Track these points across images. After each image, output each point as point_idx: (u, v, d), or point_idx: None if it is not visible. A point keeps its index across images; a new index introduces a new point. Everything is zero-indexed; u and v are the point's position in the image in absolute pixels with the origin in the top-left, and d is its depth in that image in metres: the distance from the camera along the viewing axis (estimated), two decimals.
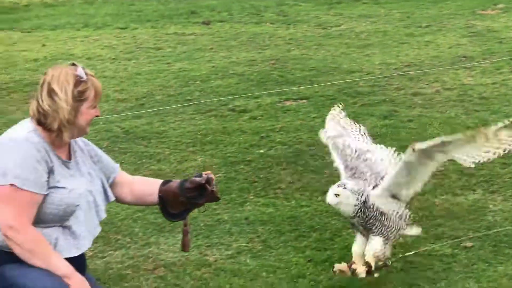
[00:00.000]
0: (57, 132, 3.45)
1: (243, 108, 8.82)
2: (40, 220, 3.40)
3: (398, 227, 4.21)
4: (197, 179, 3.68)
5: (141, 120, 8.38)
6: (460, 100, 8.66)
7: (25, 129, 3.47)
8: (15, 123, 3.59)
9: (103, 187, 3.70)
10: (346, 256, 4.82)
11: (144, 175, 6.63)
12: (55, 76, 3.45)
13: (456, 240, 5.03)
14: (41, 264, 3.35)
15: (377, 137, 7.36)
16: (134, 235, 5.40)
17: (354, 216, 4.13)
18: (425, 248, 4.90)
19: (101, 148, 3.90)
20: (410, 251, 4.85)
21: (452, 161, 6.59)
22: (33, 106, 3.49)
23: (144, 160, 7.19)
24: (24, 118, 3.58)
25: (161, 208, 3.80)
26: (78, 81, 3.46)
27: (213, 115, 8.53)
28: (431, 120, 8.02)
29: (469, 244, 4.93)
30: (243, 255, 4.99)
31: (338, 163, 4.42)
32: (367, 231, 4.22)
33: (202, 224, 5.55)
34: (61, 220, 3.45)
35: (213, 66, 10.46)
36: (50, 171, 3.41)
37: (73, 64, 3.52)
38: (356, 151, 4.44)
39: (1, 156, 3.37)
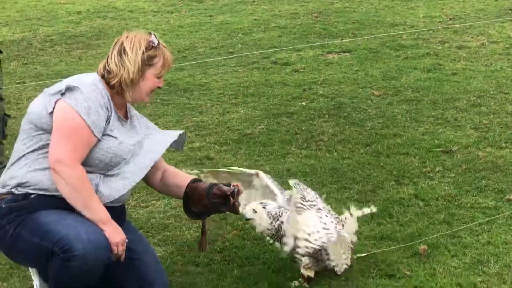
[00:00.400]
0: (118, 89, 3.54)
1: (285, 61, 8.79)
2: (85, 163, 3.44)
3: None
4: (225, 188, 3.72)
5: (183, 72, 8.40)
6: (506, 53, 8.54)
7: (91, 76, 3.56)
8: (59, 75, 3.65)
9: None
10: (387, 208, 4.83)
11: (186, 127, 6.70)
12: (129, 37, 3.57)
13: (499, 193, 4.98)
14: (81, 205, 3.40)
15: (421, 91, 7.32)
16: None
17: (270, 237, 4.03)
18: (467, 201, 4.86)
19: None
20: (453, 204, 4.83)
21: (496, 114, 6.57)
22: (101, 64, 3.60)
23: (186, 112, 7.23)
24: (67, 70, 3.64)
25: (184, 203, 3.85)
26: (150, 46, 3.56)
27: (255, 68, 8.52)
28: (476, 73, 7.92)
29: None
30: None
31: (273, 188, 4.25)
32: None
33: None
34: (105, 168, 3.49)
35: (255, 19, 10.42)
36: (107, 120, 3.47)
37: (149, 33, 3.63)
38: None
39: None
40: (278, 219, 3.90)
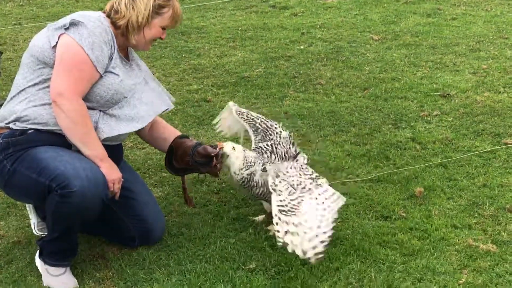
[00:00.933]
0: (123, 31, 3.54)
1: (283, 4, 8.72)
2: (86, 99, 3.43)
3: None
4: (210, 149, 3.76)
5: None
6: None
7: (96, 13, 3.55)
8: (55, 16, 3.63)
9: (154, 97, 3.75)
10: (384, 150, 4.83)
11: (184, 69, 6.67)
12: None
13: (496, 137, 4.98)
14: (79, 139, 3.40)
15: (420, 35, 7.27)
16: (174, 127, 5.42)
17: (238, 183, 3.87)
18: (464, 145, 4.86)
19: None
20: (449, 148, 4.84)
21: (495, 59, 6.54)
22: (109, 3, 3.59)
23: (184, 55, 7.19)
24: (64, 12, 3.61)
25: (166, 157, 3.86)
26: None
27: (253, 11, 8.44)
28: (476, 18, 7.86)
29: (509, 140, 4.87)
30: None
31: (247, 128, 4.14)
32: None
33: None
34: (105, 105, 3.48)
35: None
36: (110, 57, 3.46)
37: None
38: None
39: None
40: (249, 168, 3.81)
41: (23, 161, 3.40)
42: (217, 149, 3.77)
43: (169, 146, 3.84)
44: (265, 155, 3.87)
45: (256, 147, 3.95)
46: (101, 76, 3.43)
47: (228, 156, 3.82)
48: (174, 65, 6.89)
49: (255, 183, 3.79)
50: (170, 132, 3.90)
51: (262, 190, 3.78)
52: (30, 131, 3.43)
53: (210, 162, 3.79)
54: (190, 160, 3.78)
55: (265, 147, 3.93)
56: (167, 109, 3.80)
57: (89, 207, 3.35)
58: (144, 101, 3.64)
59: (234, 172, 3.81)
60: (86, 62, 3.36)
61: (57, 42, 3.39)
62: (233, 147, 3.81)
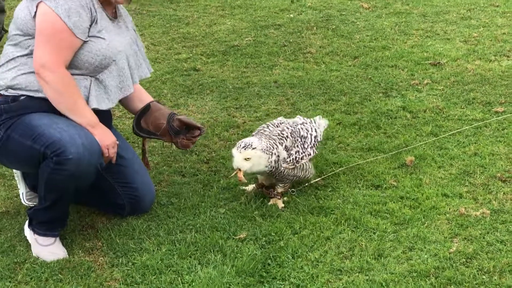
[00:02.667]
0: None
1: None
2: (74, 66, 3.39)
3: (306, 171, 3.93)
4: (194, 122, 3.79)
5: None
6: None
7: None
8: None
9: (138, 59, 3.70)
10: (375, 119, 4.80)
11: (173, 38, 6.61)
12: None
13: (487, 105, 4.96)
14: (67, 108, 3.36)
15: (410, 3, 7.22)
16: (163, 96, 5.40)
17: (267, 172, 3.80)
18: (455, 113, 4.84)
19: (129, 11, 3.85)
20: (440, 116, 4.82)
21: (486, 27, 6.51)
22: None
23: (173, 24, 7.12)
24: None
25: (137, 117, 3.80)
26: None
27: None
28: None
29: (500, 109, 4.86)
30: (271, 117, 4.97)
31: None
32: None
33: (230, 87, 5.52)
34: (95, 71, 3.44)
35: None
36: (94, 21, 3.40)
37: None
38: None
39: None
40: (273, 153, 3.73)
41: (17, 127, 3.37)
42: (202, 127, 3.84)
43: (145, 105, 3.80)
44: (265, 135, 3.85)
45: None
46: (84, 42, 3.37)
47: (252, 167, 3.70)
48: (163, 34, 6.83)
49: (282, 168, 3.79)
50: (147, 95, 3.86)
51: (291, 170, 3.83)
52: (22, 97, 3.40)
53: (185, 132, 3.80)
54: (165, 124, 3.76)
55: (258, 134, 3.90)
56: (148, 75, 3.79)
57: (83, 175, 3.33)
58: (131, 65, 3.61)
59: (267, 168, 3.73)
60: (64, 30, 3.30)
61: (36, 12, 3.34)
62: (245, 158, 3.67)
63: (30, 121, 3.36)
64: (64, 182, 3.32)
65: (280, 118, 4.01)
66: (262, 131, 3.87)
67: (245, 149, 3.67)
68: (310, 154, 3.89)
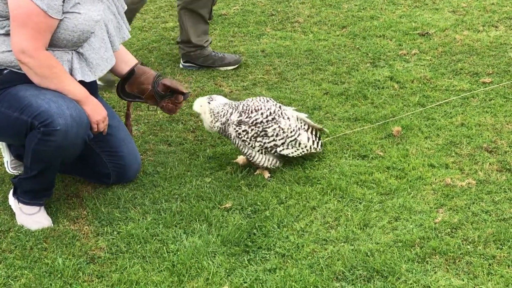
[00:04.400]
0: None
1: None
2: (53, 45, 3.33)
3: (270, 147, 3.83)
4: (179, 86, 3.77)
5: None
6: None
7: None
8: None
9: (118, 21, 3.63)
10: (362, 89, 4.79)
11: (160, 7, 6.59)
12: None
13: (475, 75, 4.95)
14: (54, 88, 3.33)
15: None
16: (150, 65, 5.35)
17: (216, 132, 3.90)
18: (442, 84, 4.83)
19: None
20: (428, 87, 4.81)
21: None
22: None
23: None
24: None
25: (121, 81, 3.79)
26: None
27: None
28: None
29: (487, 79, 4.85)
30: (258, 87, 4.95)
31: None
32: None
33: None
34: (75, 45, 3.39)
35: None
36: None
37: None
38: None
39: None
40: (218, 119, 3.79)
41: (3, 100, 3.33)
42: (187, 91, 3.82)
43: (130, 69, 3.76)
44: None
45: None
46: (60, 20, 3.31)
47: (199, 114, 3.85)
48: (149, 2, 6.76)
49: (229, 133, 3.79)
50: (131, 57, 3.82)
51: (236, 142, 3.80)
52: (5, 71, 3.36)
53: (170, 96, 3.78)
54: (150, 88, 3.73)
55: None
56: (129, 36, 3.75)
57: (71, 146, 3.31)
58: (111, 32, 3.54)
59: (209, 127, 3.82)
60: (38, 13, 3.22)
61: None
62: (200, 105, 3.80)
63: (16, 92, 3.33)
64: (51, 153, 3.30)
65: (291, 111, 3.91)
66: (252, 106, 3.82)
67: (206, 99, 3.82)
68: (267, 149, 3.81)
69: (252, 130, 3.74)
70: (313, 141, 3.89)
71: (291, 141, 3.81)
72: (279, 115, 3.79)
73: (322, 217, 3.45)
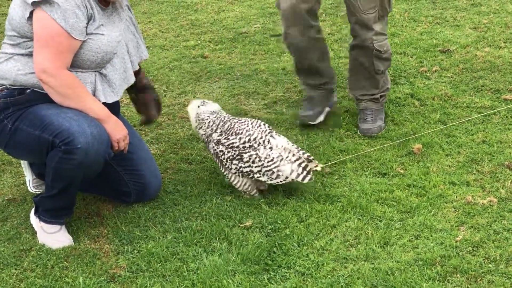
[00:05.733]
0: None
1: None
2: (77, 66, 3.37)
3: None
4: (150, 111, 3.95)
5: None
6: None
7: None
8: None
9: (137, 40, 3.68)
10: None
11: (181, 25, 6.60)
12: None
13: (496, 92, 4.92)
14: (75, 107, 3.35)
15: None
16: (171, 83, 5.39)
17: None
18: (464, 101, 4.81)
19: None
20: (448, 103, 4.79)
21: (496, 14, 6.46)
22: None
23: (181, 10, 7.11)
24: None
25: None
26: None
27: None
28: None
29: (509, 96, 4.82)
30: (279, 105, 4.96)
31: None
32: None
33: (238, 74, 5.51)
34: (98, 66, 3.43)
35: None
36: (90, 18, 3.36)
37: None
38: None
39: None
40: (202, 127, 3.81)
41: (25, 119, 3.37)
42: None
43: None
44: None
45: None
46: (83, 41, 3.34)
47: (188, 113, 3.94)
48: (171, 21, 6.81)
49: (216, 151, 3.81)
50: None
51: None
52: (28, 90, 3.40)
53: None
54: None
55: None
56: (148, 55, 3.83)
57: (91, 164, 3.34)
58: (131, 51, 3.60)
59: (195, 130, 3.92)
60: (61, 33, 3.26)
61: (29, 15, 3.28)
62: (198, 105, 3.87)
63: (38, 111, 3.36)
64: (72, 171, 3.32)
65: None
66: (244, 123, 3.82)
67: (199, 102, 3.89)
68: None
69: (228, 152, 3.74)
70: (298, 174, 3.69)
71: (266, 171, 3.70)
72: (260, 143, 3.72)
73: (342, 235, 3.44)
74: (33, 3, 3.25)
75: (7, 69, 3.39)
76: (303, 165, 3.70)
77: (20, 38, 3.36)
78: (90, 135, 3.26)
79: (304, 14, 4.34)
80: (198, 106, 3.85)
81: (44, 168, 3.43)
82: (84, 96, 3.37)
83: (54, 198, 3.46)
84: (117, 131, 3.44)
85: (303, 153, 3.75)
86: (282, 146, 3.74)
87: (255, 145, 3.72)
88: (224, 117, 3.83)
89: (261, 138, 3.73)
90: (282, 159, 3.70)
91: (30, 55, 3.37)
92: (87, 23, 3.34)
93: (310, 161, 3.74)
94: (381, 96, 4.55)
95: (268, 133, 3.77)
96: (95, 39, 3.38)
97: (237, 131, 3.75)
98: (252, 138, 3.73)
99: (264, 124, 3.81)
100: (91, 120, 3.34)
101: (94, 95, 3.43)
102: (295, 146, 3.80)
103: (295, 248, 3.35)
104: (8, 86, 3.41)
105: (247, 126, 3.77)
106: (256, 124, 3.79)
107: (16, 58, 3.39)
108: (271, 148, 3.71)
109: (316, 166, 3.76)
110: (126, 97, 5.06)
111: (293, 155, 3.72)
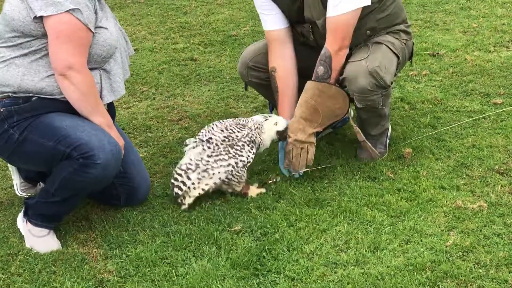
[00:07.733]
0: None
1: None
2: None
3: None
4: None
5: None
6: None
7: None
8: None
9: (124, 37, 3.67)
10: None
11: (170, 28, 6.58)
12: None
13: (486, 96, 4.92)
14: (90, 109, 3.35)
15: None
16: (160, 86, 5.37)
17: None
18: (453, 105, 4.81)
19: (127, 0, 3.82)
20: (439, 107, 4.78)
21: (486, 18, 6.46)
22: None
23: (170, 13, 7.09)
24: None
25: None
26: None
27: None
28: None
29: (499, 100, 4.82)
30: (268, 108, 4.94)
31: None
32: None
33: (228, 77, 5.49)
34: (102, 62, 3.40)
35: None
36: (95, 11, 3.36)
37: None
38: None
39: None
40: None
41: (36, 129, 3.32)
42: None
43: None
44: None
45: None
46: (93, 34, 3.33)
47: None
48: (160, 23, 6.79)
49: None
50: None
51: None
52: (34, 98, 3.35)
53: None
54: None
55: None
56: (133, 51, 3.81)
57: (103, 180, 3.36)
58: (123, 47, 3.60)
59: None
60: (82, 28, 3.25)
61: (36, 15, 3.22)
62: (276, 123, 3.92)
63: (50, 122, 3.32)
64: (83, 183, 3.31)
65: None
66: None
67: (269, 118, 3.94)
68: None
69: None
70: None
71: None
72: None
73: (332, 240, 3.42)
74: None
75: (10, 75, 3.33)
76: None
77: (23, 37, 3.30)
78: (109, 152, 3.27)
79: None
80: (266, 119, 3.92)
81: (33, 172, 3.40)
82: (98, 96, 3.38)
83: (53, 205, 3.43)
84: (119, 139, 3.46)
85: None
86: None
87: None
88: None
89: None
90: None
91: (32, 55, 3.31)
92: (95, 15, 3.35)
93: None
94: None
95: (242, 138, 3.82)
96: (101, 32, 3.37)
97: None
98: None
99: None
100: (109, 136, 3.34)
101: (101, 97, 3.42)
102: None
103: (284, 252, 3.34)
104: (10, 94, 3.35)
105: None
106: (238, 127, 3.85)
107: (18, 63, 3.32)
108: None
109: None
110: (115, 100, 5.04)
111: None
